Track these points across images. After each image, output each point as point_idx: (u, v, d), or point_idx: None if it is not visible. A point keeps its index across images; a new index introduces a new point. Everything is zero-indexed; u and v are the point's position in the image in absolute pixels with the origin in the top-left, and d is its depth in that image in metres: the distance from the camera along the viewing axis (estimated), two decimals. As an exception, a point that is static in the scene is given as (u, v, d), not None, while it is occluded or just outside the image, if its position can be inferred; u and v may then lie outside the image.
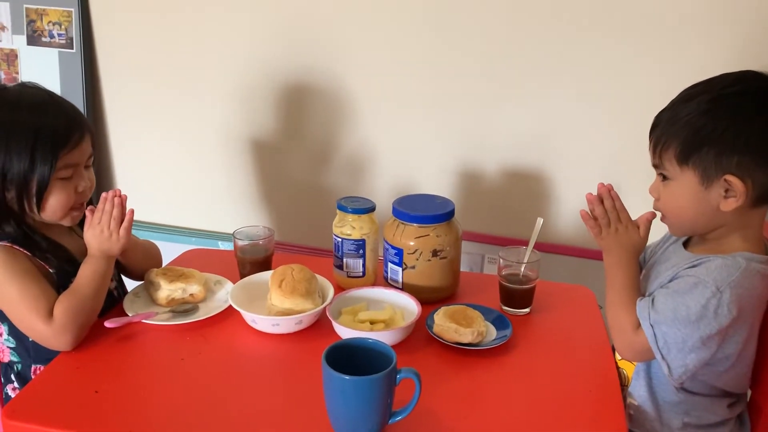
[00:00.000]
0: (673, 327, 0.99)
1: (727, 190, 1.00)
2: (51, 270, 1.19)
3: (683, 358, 1.00)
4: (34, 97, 1.18)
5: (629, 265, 1.11)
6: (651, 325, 1.01)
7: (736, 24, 1.52)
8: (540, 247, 1.34)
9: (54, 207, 1.18)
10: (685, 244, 1.14)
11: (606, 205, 1.13)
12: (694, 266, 1.03)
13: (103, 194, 1.21)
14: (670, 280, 1.06)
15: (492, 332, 1.20)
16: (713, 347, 1.00)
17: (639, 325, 1.04)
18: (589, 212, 1.14)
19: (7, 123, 1.14)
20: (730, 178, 0.98)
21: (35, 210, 1.17)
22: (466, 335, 1.14)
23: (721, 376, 1.06)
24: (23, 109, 1.16)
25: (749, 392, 1.17)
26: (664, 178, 1.06)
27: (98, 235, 1.19)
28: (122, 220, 1.20)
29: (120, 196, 1.21)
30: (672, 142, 1.01)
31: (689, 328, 0.99)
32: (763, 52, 1.52)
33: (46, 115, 1.16)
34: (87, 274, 1.18)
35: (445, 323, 1.16)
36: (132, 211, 1.22)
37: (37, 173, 1.14)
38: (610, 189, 1.13)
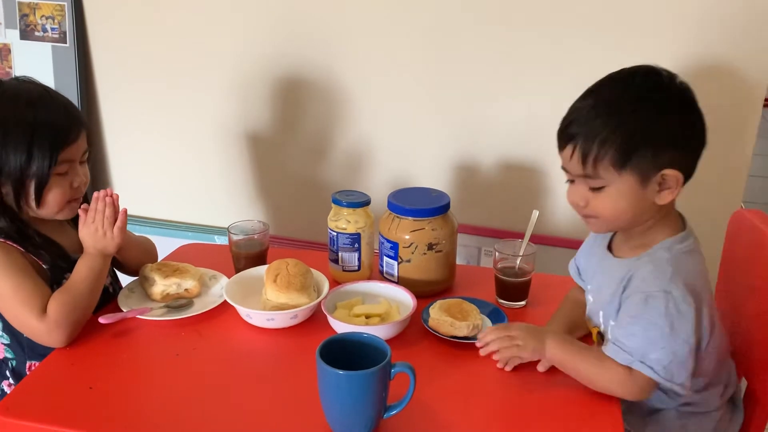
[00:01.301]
0: (658, 350, 0.98)
1: (660, 184, 1.01)
2: (44, 266, 1.18)
3: (685, 370, 0.99)
4: (31, 92, 1.18)
5: (560, 340, 1.07)
6: (641, 362, 0.99)
7: (731, 22, 1.52)
8: (536, 239, 1.33)
9: (50, 202, 1.17)
10: (609, 246, 1.15)
11: (493, 337, 1.09)
12: (629, 281, 1.04)
13: (95, 194, 1.20)
14: (618, 308, 1.05)
15: (487, 325, 1.20)
16: (693, 341, 0.99)
17: (627, 367, 1.00)
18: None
19: (5, 117, 1.13)
20: (668, 172, 0.99)
21: (33, 205, 1.17)
22: (461, 329, 1.14)
23: (705, 360, 1.06)
24: (20, 104, 1.15)
25: (744, 382, 1.17)
26: (594, 187, 1.03)
27: (93, 234, 1.19)
28: (115, 220, 1.20)
29: (111, 195, 1.20)
30: (607, 152, 0.99)
31: (670, 340, 0.98)
32: (760, 49, 1.52)
33: (43, 111, 1.15)
34: (82, 271, 1.18)
35: (440, 317, 1.16)
36: (125, 211, 1.21)
37: (34, 169, 1.13)
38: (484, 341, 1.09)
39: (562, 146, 1.05)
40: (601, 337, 1.12)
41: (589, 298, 1.17)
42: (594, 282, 1.16)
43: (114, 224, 1.19)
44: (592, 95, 1.04)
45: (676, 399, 1.09)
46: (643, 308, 1.00)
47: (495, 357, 1.09)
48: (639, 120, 0.99)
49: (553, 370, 1.08)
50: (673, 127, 1.00)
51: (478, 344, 1.10)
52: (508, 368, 1.08)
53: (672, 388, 0.99)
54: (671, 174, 0.99)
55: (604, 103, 1.02)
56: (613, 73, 1.05)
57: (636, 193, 1.01)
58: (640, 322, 0.99)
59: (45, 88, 1.20)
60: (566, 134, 1.04)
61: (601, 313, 1.12)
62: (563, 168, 1.07)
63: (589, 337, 1.17)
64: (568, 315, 1.20)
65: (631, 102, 1.00)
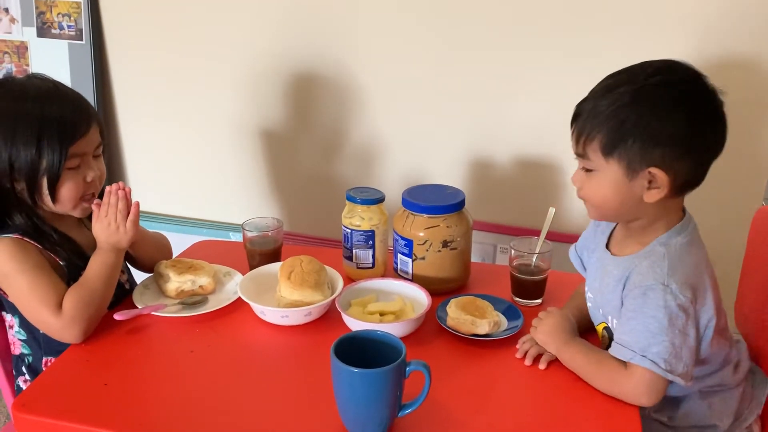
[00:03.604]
0: (659, 343, 0.97)
1: (650, 182, 0.99)
2: (61, 263, 1.19)
3: (683, 362, 0.98)
4: (39, 87, 1.18)
5: (574, 351, 1.07)
6: (642, 357, 0.98)
7: (742, 18, 1.49)
8: (552, 237, 1.32)
9: (64, 197, 1.18)
10: (607, 244, 1.14)
11: (527, 340, 1.13)
12: (628, 278, 1.03)
13: (107, 188, 1.21)
14: (619, 308, 1.05)
15: (503, 323, 1.19)
16: (694, 333, 1.00)
17: (623, 365, 1.01)
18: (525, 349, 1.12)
19: (12, 113, 1.14)
20: (654, 170, 0.98)
21: (48, 201, 1.17)
22: (483, 326, 1.13)
23: (713, 346, 1.05)
24: (28, 99, 1.15)
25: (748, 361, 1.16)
26: (588, 169, 1.04)
27: (105, 229, 1.19)
28: (128, 213, 1.20)
29: (124, 189, 1.21)
30: (596, 134, 1.00)
31: (670, 334, 0.97)
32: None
33: (51, 105, 1.15)
34: (96, 267, 1.18)
35: (460, 316, 1.15)
36: (137, 204, 1.21)
37: (45, 164, 1.13)
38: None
39: (570, 123, 1.06)
40: (608, 332, 1.11)
41: (589, 295, 1.16)
42: (594, 281, 1.15)
43: (127, 218, 1.20)
44: (609, 78, 1.03)
45: (694, 384, 1.07)
46: (642, 302, 1.00)
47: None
48: (634, 111, 0.97)
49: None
50: (672, 127, 0.97)
51: (518, 355, 1.11)
52: (542, 366, 1.09)
53: (673, 380, 0.98)
54: (657, 173, 0.98)
55: (608, 88, 1.01)
56: (640, 62, 1.03)
57: (621, 184, 1.01)
58: (639, 316, 1.00)
59: (54, 84, 1.20)
60: (574, 111, 1.05)
61: (600, 311, 1.12)
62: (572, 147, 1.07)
63: (592, 334, 1.16)
64: (578, 307, 1.20)
65: (632, 92, 0.98)
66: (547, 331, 1.10)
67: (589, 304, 1.17)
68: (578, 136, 1.03)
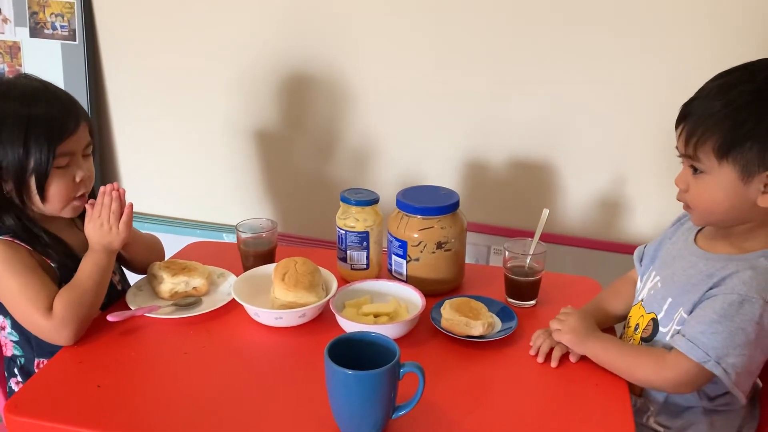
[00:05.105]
0: (738, 356, 0.96)
1: (766, 185, 0.96)
2: (53, 264, 1.18)
3: (751, 378, 0.98)
4: (25, 87, 1.18)
5: (604, 340, 1.08)
6: (716, 363, 0.95)
7: (745, 15, 1.50)
8: (546, 238, 1.32)
9: (53, 197, 1.17)
10: (695, 237, 1.11)
11: (539, 335, 1.13)
12: (723, 280, 1.00)
13: (102, 188, 1.20)
14: (697, 302, 1.01)
15: (497, 324, 1.19)
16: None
17: (665, 353, 1.00)
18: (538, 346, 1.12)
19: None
20: None
21: (37, 201, 1.16)
22: (477, 327, 1.13)
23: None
24: (15, 99, 1.15)
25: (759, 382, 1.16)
26: (696, 170, 1.00)
27: (98, 229, 1.19)
28: (122, 214, 1.20)
29: (118, 189, 1.20)
30: (710, 136, 0.96)
31: (751, 349, 0.96)
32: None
33: (38, 104, 1.15)
34: (88, 268, 1.18)
35: (454, 317, 1.15)
36: (131, 205, 1.21)
37: (33, 163, 1.13)
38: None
39: (677, 123, 1.02)
40: (655, 323, 1.09)
41: (656, 284, 1.12)
42: (666, 268, 1.12)
43: (120, 219, 1.19)
44: (723, 77, 1.00)
45: (705, 398, 1.07)
46: (735, 310, 0.96)
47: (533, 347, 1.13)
48: (754, 112, 0.94)
49: (563, 369, 1.08)
50: None
51: (532, 352, 1.12)
52: (553, 364, 1.09)
53: (735, 394, 0.98)
54: None
55: (724, 87, 0.97)
56: (757, 60, 1.00)
57: (735, 188, 0.97)
58: (726, 322, 0.96)
59: (42, 83, 1.20)
60: (682, 111, 1.01)
61: (669, 300, 1.08)
62: (677, 147, 1.03)
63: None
64: (594, 313, 1.19)
65: (752, 92, 0.95)
66: (572, 330, 1.08)
67: (647, 293, 1.14)
68: (688, 137, 0.99)
